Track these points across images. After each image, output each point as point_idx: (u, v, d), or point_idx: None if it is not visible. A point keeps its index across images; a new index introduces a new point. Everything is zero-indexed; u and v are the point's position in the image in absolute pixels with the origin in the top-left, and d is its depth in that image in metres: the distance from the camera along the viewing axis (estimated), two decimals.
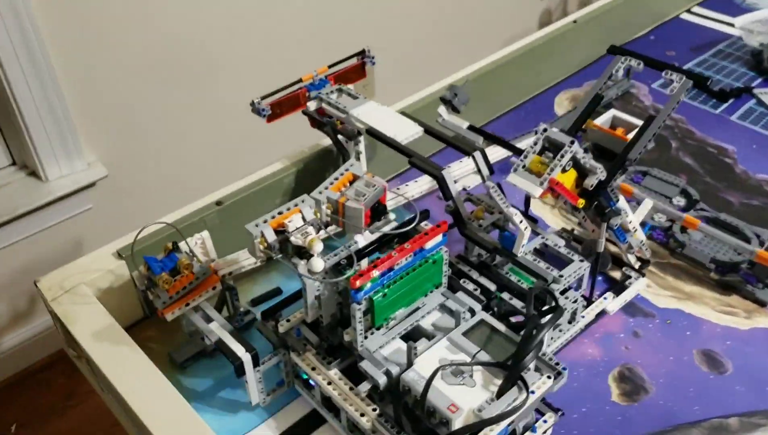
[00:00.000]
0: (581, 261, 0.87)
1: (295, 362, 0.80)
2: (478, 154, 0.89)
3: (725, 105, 1.36)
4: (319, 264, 0.71)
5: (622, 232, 0.94)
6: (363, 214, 0.74)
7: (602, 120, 1.21)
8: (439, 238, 0.76)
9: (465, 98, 1.04)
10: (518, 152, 0.97)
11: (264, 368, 0.79)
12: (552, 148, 0.82)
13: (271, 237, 0.72)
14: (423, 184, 1.15)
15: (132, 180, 1.83)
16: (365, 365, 0.74)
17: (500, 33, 2.44)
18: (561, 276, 0.83)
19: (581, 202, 0.83)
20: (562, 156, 0.79)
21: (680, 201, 1.11)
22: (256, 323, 0.87)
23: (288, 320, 0.81)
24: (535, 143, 0.82)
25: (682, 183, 1.13)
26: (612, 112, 1.22)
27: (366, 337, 0.74)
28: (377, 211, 0.78)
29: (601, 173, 0.82)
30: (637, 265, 0.98)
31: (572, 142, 0.80)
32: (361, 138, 0.97)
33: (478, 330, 0.77)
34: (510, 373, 0.70)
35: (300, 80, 1.01)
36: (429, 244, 0.76)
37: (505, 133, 1.07)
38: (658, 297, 0.95)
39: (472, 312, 0.79)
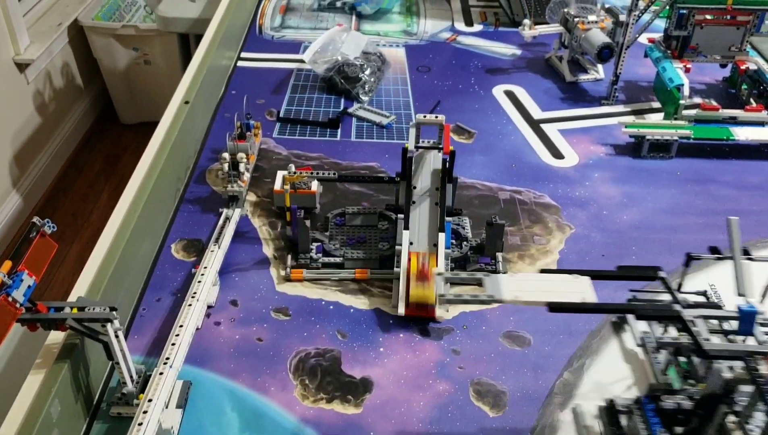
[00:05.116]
0: None
1: None
2: None
3: (338, 130, 1.51)
4: None
5: None
6: None
7: (278, 184, 1.24)
8: None
9: None
10: None
11: None
12: None
13: None
14: None
15: None
16: None
17: None
18: None
19: None
20: None
21: (384, 224, 1.22)
22: None
23: None
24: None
25: (377, 209, 1.25)
26: (281, 173, 1.26)
27: None
28: None
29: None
30: None
31: None
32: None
33: None
34: None
35: None
36: None
37: None
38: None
39: None
